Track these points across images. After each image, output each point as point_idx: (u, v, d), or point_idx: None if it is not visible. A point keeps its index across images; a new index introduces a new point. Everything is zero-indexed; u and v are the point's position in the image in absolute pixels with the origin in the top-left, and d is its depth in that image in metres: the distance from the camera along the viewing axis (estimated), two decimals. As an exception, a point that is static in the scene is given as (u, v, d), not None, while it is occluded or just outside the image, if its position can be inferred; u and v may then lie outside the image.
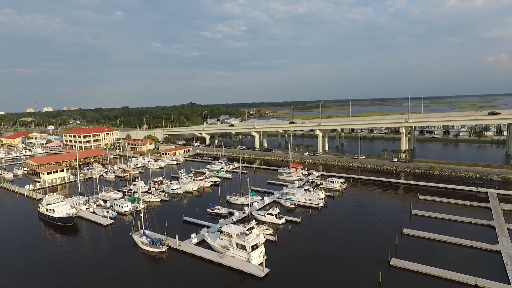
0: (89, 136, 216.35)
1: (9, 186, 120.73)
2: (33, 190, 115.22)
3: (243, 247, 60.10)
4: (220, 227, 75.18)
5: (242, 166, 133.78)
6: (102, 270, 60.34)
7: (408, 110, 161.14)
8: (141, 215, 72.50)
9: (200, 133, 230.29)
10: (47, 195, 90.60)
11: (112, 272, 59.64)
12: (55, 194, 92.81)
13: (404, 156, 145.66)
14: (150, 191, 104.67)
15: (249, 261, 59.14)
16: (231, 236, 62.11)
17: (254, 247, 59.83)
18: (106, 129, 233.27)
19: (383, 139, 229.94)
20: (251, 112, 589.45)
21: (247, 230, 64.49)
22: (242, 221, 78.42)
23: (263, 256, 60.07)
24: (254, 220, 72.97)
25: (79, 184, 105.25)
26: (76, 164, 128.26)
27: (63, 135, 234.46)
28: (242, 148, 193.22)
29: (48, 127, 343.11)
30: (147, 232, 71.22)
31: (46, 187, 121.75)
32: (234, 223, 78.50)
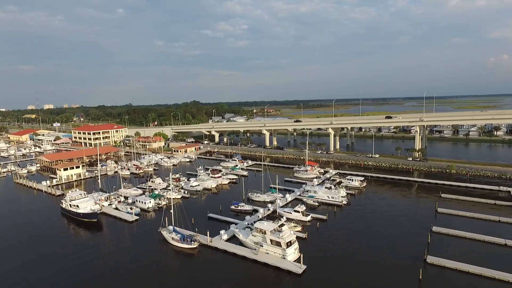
0: (99, 133, 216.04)
1: (27, 182, 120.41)
2: (50, 186, 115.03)
3: (277, 244, 59.96)
4: (247, 223, 75.20)
5: (264, 164, 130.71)
6: (133, 266, 60.14)
7: (423, 109, 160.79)
8: (171, 211, 72.23)
9: (209, 131, 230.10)
10: (70, 191, 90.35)
11: (144, 267, 59.43)
12: (77, 190, 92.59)
13: (418, 155, 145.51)
14: (170, 188, 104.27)
15: (284, 258, 59.04)
16: (265, 233, 61.98)
17: (289, 243, 59.73)
18: (115, 126, 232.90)
19: (393, 138, 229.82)
20: (255, 111, 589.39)
21: (278, 227, 64.37)
22: (271, 218, 78.19)
23: (298, 253, 60.11)
24: (284, 217, 72.71)
25: (99, 180, 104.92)
26: (97, 160, 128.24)
27: (72, 132, 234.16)
28: (253, 146, 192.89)
29: (54, 124, 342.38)
30: (176, 228, 71.02)
31: (62, 183, 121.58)
32: (261, 220, 78.44)
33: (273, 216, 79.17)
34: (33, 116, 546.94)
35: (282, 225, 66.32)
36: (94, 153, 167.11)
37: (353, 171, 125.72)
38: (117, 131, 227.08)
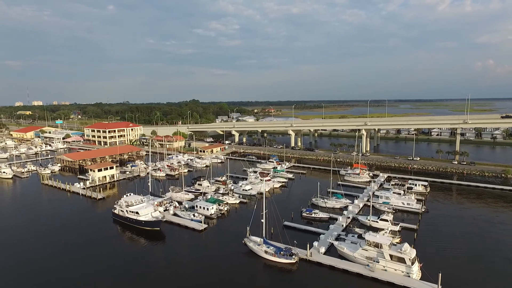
0: (114, 131, 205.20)
1: (58, 184, 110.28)
2: (85, 188, 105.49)
3: (400, 260, 52.98)
4: (338, 234, 68.27)
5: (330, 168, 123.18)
6: (227, 285, 52.42)
7: (468, 111, 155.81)
8: (263, 220, 64.28)
9: (225, 131, 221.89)
10: (124, 195, 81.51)
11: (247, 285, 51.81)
12: (131, 194, 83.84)
13: (460, 158, 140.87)
14: (227, 192, 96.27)
15: (408, 276, 52.14)
16: (381, 247, 55.00)
17: (414, 260, 52.88)
18: (130, 124, 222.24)
19: (417, 140, 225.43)
20: (256, 111, 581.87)
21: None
22: (372, 229, 71.40)
23: (420, 271, 53.43)
24: (388, 228, 65.81)
25: (150, 184, 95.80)
26: (147, 159, 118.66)
27: (85, 130, 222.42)
28: (279, 147, 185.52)
29: (57, 121, 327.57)
30: (267, 239, 63.26)
31: (96, 185, 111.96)
32: (345, 229, 71.79)
33: (374, 227, 72.08)
34: (27, 112, 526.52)
35: (387, 237, 59.68)
36: (114, 152, 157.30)
37: (402, 175, 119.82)
38: (132, 129, 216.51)
